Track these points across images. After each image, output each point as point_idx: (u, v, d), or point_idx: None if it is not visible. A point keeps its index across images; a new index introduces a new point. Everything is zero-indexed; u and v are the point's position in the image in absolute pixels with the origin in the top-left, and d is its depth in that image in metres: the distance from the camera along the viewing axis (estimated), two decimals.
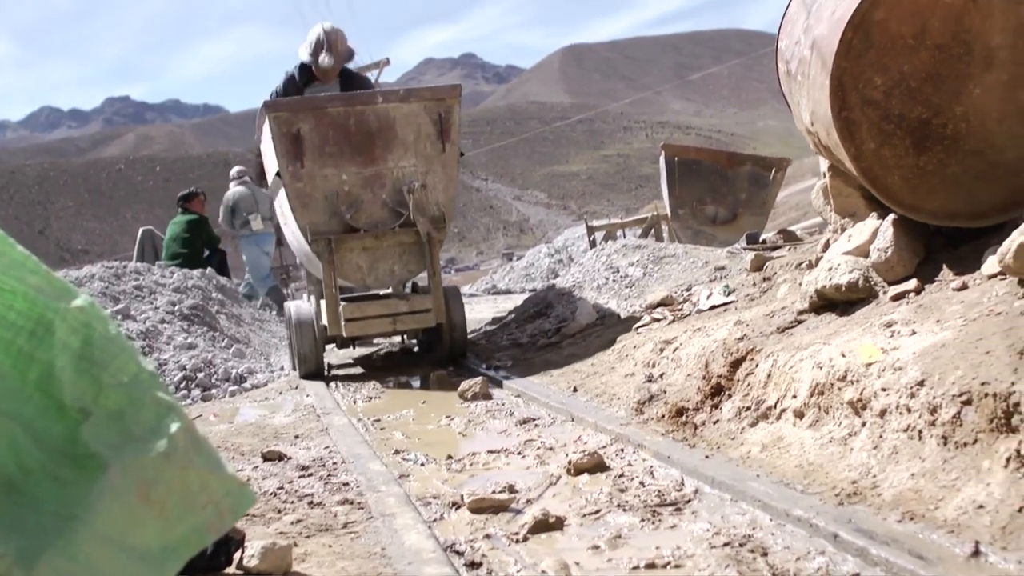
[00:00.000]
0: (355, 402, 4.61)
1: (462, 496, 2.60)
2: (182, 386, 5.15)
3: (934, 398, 2.08)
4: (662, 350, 3.88)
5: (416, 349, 6.32)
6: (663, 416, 3.17)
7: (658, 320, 4.70)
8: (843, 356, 2.54)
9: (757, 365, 2.99)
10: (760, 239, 6.50)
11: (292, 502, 2.67)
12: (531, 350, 5.37)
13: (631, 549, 2.12)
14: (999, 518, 1.75)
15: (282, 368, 6.11)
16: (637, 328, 4.69)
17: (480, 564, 2.08)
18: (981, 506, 1.81)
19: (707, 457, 2.70)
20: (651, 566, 1.99)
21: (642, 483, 2.61)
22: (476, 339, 6.32)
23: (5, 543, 1.28)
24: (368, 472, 2.94)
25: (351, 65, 6.25)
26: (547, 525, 2.29)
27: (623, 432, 3.12)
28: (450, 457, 3.19)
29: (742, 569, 1.90)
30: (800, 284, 3.55)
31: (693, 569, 1.95)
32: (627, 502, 2.44)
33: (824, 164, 3.81)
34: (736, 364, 3.10)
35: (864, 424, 2.32)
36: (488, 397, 4.27)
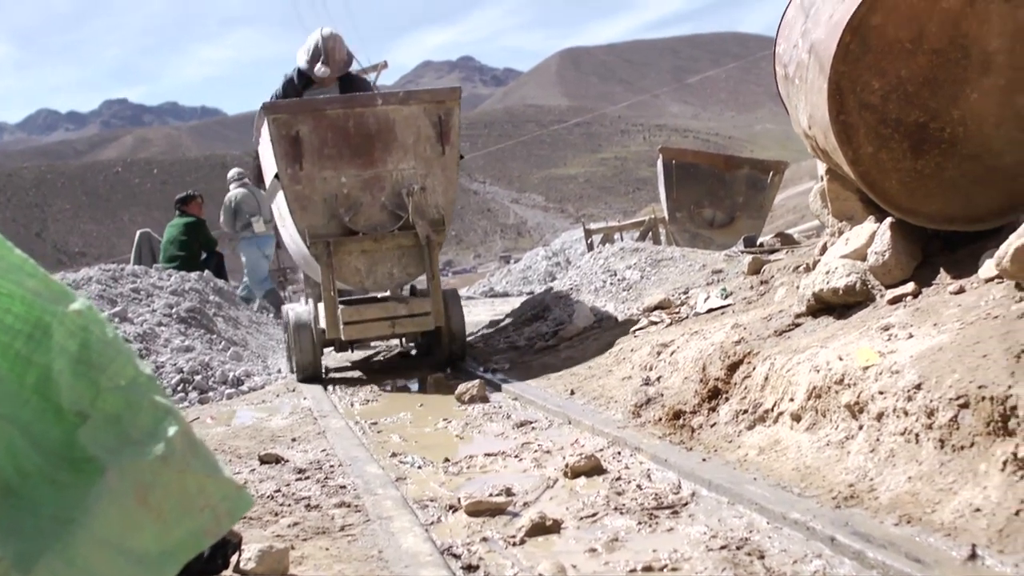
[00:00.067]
0: (352, 405, 4.61)
1: (459, 499, 2.60)
2: (179, 389, 5.15)
3: (931, 401, 2.08)
4: (659, 353, 3.89)
5: (414, 352, 6.32)
6: (660, 419, 3.17)
7: (655, 323, 4.70)
8: (840, 359, 2.54)
9: (754, 368, 2.99)
10: (757, 242, 6.50)
11: (289, 505, 2.67)
12: (528, 353, 5.37)
13: (628, 552, 2.12)
14: (996, 521, 1.75)
15: (279, 371, 6.10)
16: (634, 331, 4.69)
17: (477, 567, 2.08)
18: (978, 509, 1.81)
19: (704, 460, 2.70)
20: (648, 569, 1.99)
21: (639, 486, 2.61)
22: (473, 342, 6.32)
23: (3, 546, 1.28)
24: (365, 475, 2.94)
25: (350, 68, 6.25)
26: (544, 528, 2.29)
27: (620, 435, 3.12)
28: (447, 460, 3.19)
29: (739, 572, 1.91)
30: (797, 287, 3.56)
31: (690, 572, 1.95)
32: (624, 505, 2.44)
33: (822, 167, 3.81)
34: (733, 367, 3.10)
35: (861, 427, 2.32)
36: (485, 400, 4.27)
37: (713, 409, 3.04)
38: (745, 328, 3.48)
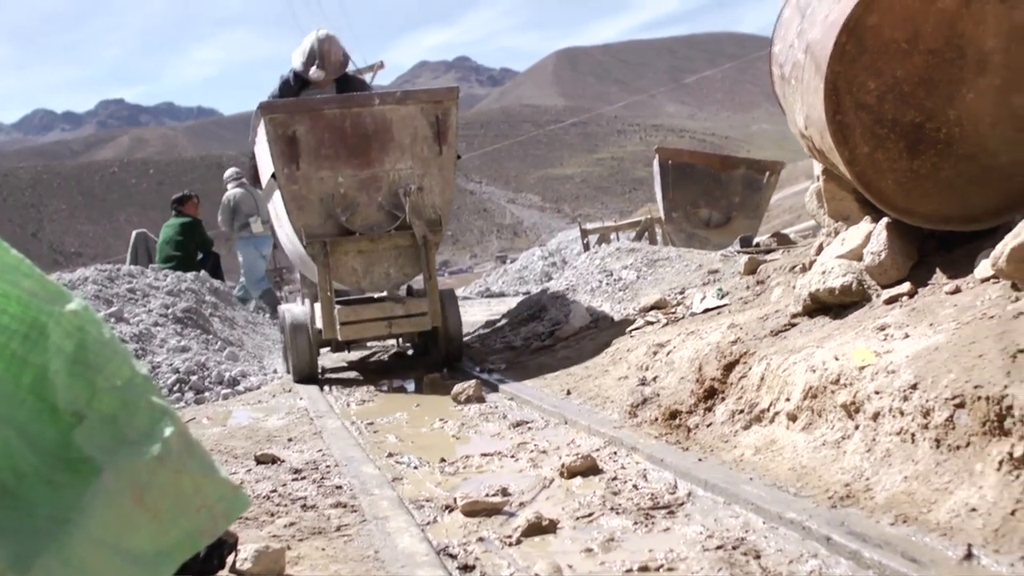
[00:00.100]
0: (348, 405, 4.61)
1: (455, 499, 2.60)
2: (175, 389, 5.14)
3: (927, 401, 2.09)
4: (655, 353, 3.89)
5: (410, 352, 6.31)
6: (656, 419, 3.18)
7: (652, 323, 4.70)
8: (836, 359, 2.55)
9: (750, 368, 2.99)
10: (754, 242, 6.51)
11: (285, 505, 2.67)
12: (525, 353, 5.37)
13: (624, 552, 2.12)
14: (992, 521, 1.75)
15: (275, 371, 6.10)
16: (631, 331, 4.70)
17: (473, 567, 2.08)
18: (974, 509, 1.81)
19: (700, 460, 2.70)
20: (644, 569, 1.99)
21: (635, 486, 2.61)
22: (470, 342, 6.32)
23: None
24: (361, 475, 2.94)
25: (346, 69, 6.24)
26: (540, 528, 2.29)
27: (616, 435, 3.12)
28: (443, 460, 3.18)
29: (735, 572, 1.91)
30: (794, 287, 3.56)
31: (686, 572, 1.95)
32: (620, 505, 2.45)
33: (818, 168, 3.82)
34: (729, 367, 3.10)
35: (857, 427, 2.33)
36: (481, 400, 4.27)
37: (709, 409, 3.05)
38: (741, 328, 3.48)
